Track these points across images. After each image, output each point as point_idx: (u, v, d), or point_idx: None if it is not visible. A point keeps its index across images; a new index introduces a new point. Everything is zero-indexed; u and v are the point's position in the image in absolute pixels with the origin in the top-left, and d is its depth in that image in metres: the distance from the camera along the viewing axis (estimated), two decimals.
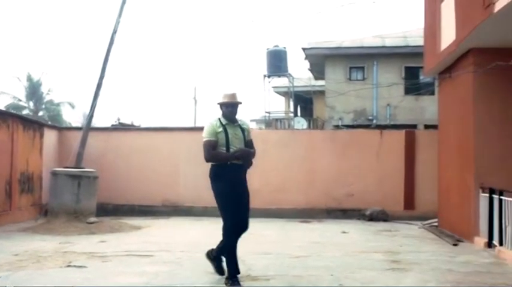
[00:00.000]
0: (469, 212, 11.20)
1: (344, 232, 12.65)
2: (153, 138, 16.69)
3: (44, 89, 45.49)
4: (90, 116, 14.72)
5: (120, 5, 14.81)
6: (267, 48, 29.22)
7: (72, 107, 45.74)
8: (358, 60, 25.04)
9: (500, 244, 9.53)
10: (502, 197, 9.61)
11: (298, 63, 73.47)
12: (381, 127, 19.87)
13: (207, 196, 15.83)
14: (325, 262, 8.62)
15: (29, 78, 44.81)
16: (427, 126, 21.69)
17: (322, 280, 7.26)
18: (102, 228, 12.44)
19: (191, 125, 34.14)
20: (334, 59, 25.26)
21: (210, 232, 12.59)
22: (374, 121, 24.34)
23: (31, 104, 45.15)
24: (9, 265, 8.06)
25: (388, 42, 24.93)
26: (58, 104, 45.84)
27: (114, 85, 56.09)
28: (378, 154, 16.04)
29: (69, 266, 8.07)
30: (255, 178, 14.00)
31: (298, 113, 32.81)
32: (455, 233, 11.86)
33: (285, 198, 16.00)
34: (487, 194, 10.27)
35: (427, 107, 23.32)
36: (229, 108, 6.98)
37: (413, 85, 23.53)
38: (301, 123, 27.32)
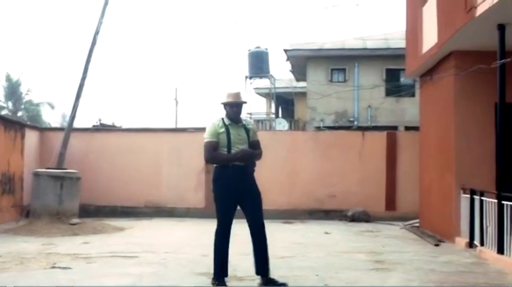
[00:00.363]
0: (450, 213, 11.34)
1: (327, 233, 12.73)
2: (135, 139, 16.64)
3: (23, 89, 45.24)
4: (72, 117, 14.65)
5: (103, 5, 14.77)
6: (249, 50, 29.19)
7: (52, 107, 45.53)
8: (339, 62, 25.15)
9: (482, 244, 9.67)
10: (483, 198, 9.75)
11: (279, 65, 73.50)
12: (362, 129, 20.04)
13: (189, 197, 16.18)
14: (309, 262, 8.69)
15: (8, 79, 44.43)
16: (407, 128, 21.85)
17: (308, 280, 7.32)
18: (85, 229, 12.38)
19: (172, 126, 34.06)
20: (315, 60, 25.37)
21: (194, 232, 12.73)
22: (355, 123, 24.47)
23: (10, 104, 44.74)
24: None
25: (370, 45, 25.09)
26: (37, 105, 45.52)
27: (95, 86, 55.73)
28: (360, 155, 16.15)
29: (53, 267, 8.04)
30: None
31: (280, 115, 32.87)
32: (436, 234, 11.99)
33: (267, 199, 15.69)
34: (468, 195, 10.40)
35: (408, 109, 23.54)
36: (234, 108, 6.74)
37: (394, 87, 23.72)
38: (282, 124, 27.38)
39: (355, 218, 15.29)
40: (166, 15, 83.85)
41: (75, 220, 12.79)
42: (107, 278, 7.37)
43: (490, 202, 9.40)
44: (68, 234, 11.86)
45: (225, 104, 6.77)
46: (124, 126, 20.43)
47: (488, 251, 9.25)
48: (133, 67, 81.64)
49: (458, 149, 11.13)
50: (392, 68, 24.21)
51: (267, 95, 33.64)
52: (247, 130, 6.80)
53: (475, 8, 8.91)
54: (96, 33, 14.63)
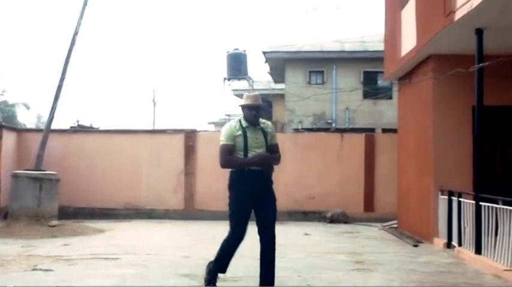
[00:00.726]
0: (428, 214, 11.49)
1: (306, 234, 12.82)
2: (114, 141, 16.55)
3: None
4: (51, 118, 14.50)
5: (82, 6, 14.68)
6: (227, 51, 29.28)
7: (27, 108, 44.91)
8: (317, 64, 25.26)
9: (460, 244, 9.83)
10: (460, 199, 9.91)
11: (258, 67, 73.66)
12: (340, 131, 20.13)
13: (169, 199, 16.14)
14: (291, 263, 8.70)
15: None
16: (384, 130, 21.99)
17: (290, 281, 7.39)
18: (65, 231, 12.29)
19: (150, 127, 33.95)
20: (294, 62, 25.45)
21: (174, 234, 12.74)
22: (333, 125, 24.58)
23: None
24: None
25: (347, 47, 25.24)
26: (13, 105, 44.87)
27: (73, 87, 55.22)
28: (338, 157, 16.25)
29: (35, 269, 8.00)
30: (215, 181, 14.18)
31: None
32: (414, 235, 12.15)
33: None
34: (446, 197, 10.57)
35: (385, 111, 23.73)
36: (252, 111, 6.44)
37: (372, 90, 23.91)
38: None
39: (334, 220, 15.39)
40: (146, 16, 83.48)
41: (54, 222, 12.69)
42: (90, 280, 7.37)
43: (468, 203, 9.55)
44: (47, 236, 11.77)
45: (243, 107, 6.52)
46: (102, 128, 20.28)
47: (466, 252, 9.41)
48: (111, 68, 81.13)
49: (436, 151, 11.29)
50: (370, 71, 24.39)
51: None
52: (265, 133, 6.54)
53: (454, 12, 9.07)
54: (75, 33, 14.53)
